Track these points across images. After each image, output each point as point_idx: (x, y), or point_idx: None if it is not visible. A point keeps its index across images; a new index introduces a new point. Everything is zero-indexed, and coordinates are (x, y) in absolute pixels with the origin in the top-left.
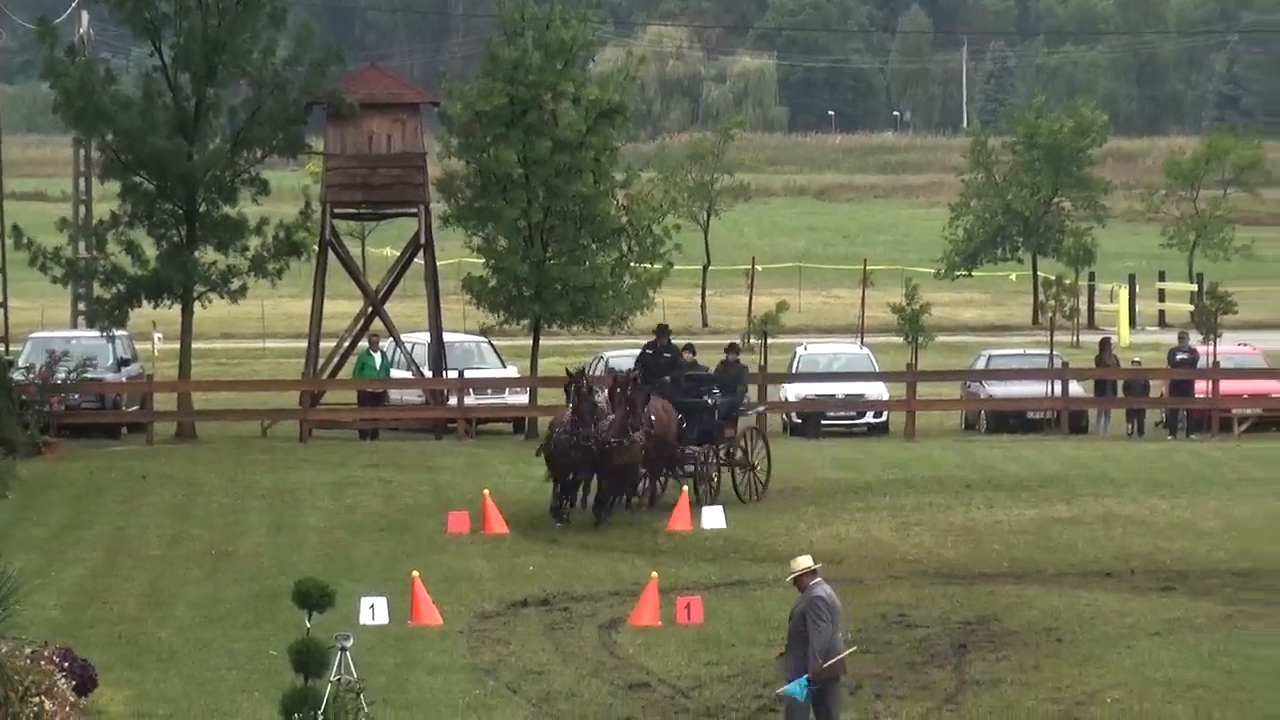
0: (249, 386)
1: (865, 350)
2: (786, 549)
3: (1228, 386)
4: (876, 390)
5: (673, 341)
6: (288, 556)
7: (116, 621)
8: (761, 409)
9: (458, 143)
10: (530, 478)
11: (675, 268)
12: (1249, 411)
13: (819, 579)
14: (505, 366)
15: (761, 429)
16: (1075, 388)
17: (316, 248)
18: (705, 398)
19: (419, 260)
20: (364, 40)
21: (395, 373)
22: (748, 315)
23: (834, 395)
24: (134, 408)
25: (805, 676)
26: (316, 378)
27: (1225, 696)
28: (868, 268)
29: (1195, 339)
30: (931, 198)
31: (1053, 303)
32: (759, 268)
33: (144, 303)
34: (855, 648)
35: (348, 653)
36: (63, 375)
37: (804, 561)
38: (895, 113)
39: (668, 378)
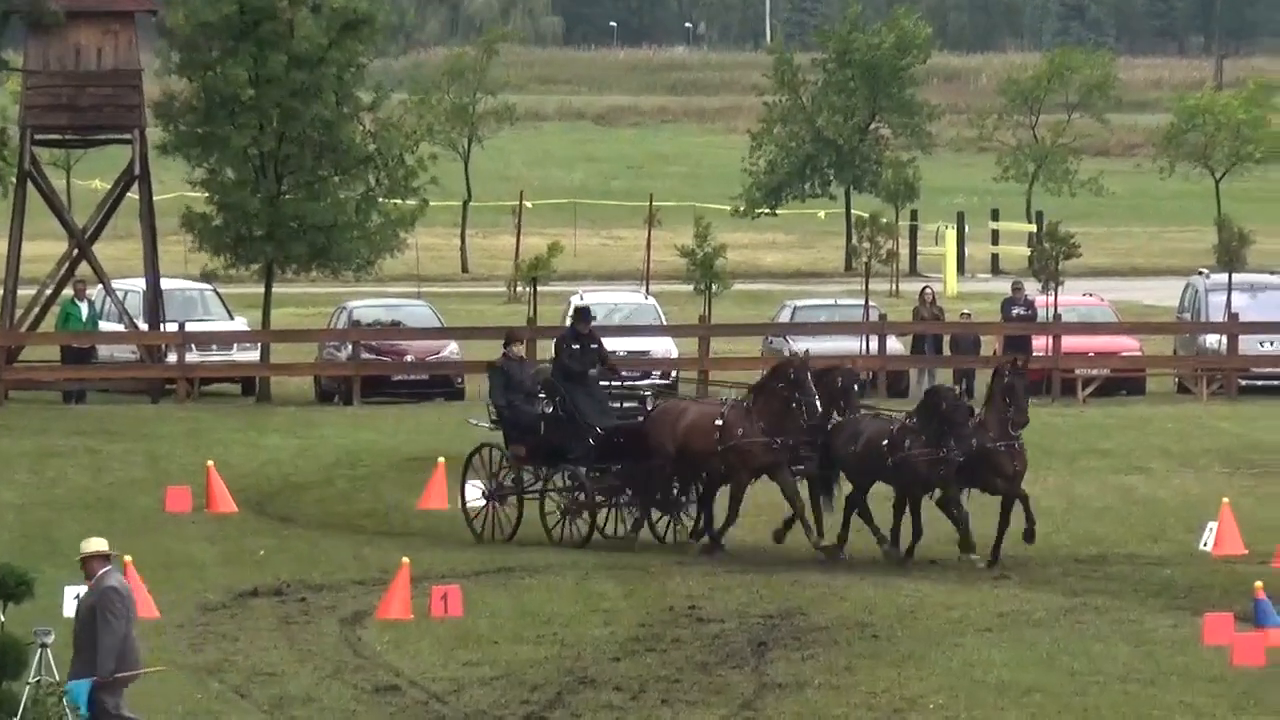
0: None
1: (651, 300)
2: (559, 531)
3: (1070, 343)
4: (663, 346)
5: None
6: None
7: None
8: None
9: (179, 58)
10: (260, 446)
11: (431, 204)
12: (1095, 372)
13: (111, 566)
14: (233, 318)
15: None
16: (894, 344)
17: (15, 179)
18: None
19: (133, 194)
20: None
21: (105, 325)
22: (515, 259)
23: (614, 352)
24: None
25: (92, 680)
26: (13, 330)
27: (1066, 702)
28: (654, 204)
29: (1033, 288)
30: (729, 123)
31: (868, 245)
32: (528, 204)
33: None
34: (162, 668)
35: (49, 650)
36: None
37: (95, 544)
38: (687, 25)
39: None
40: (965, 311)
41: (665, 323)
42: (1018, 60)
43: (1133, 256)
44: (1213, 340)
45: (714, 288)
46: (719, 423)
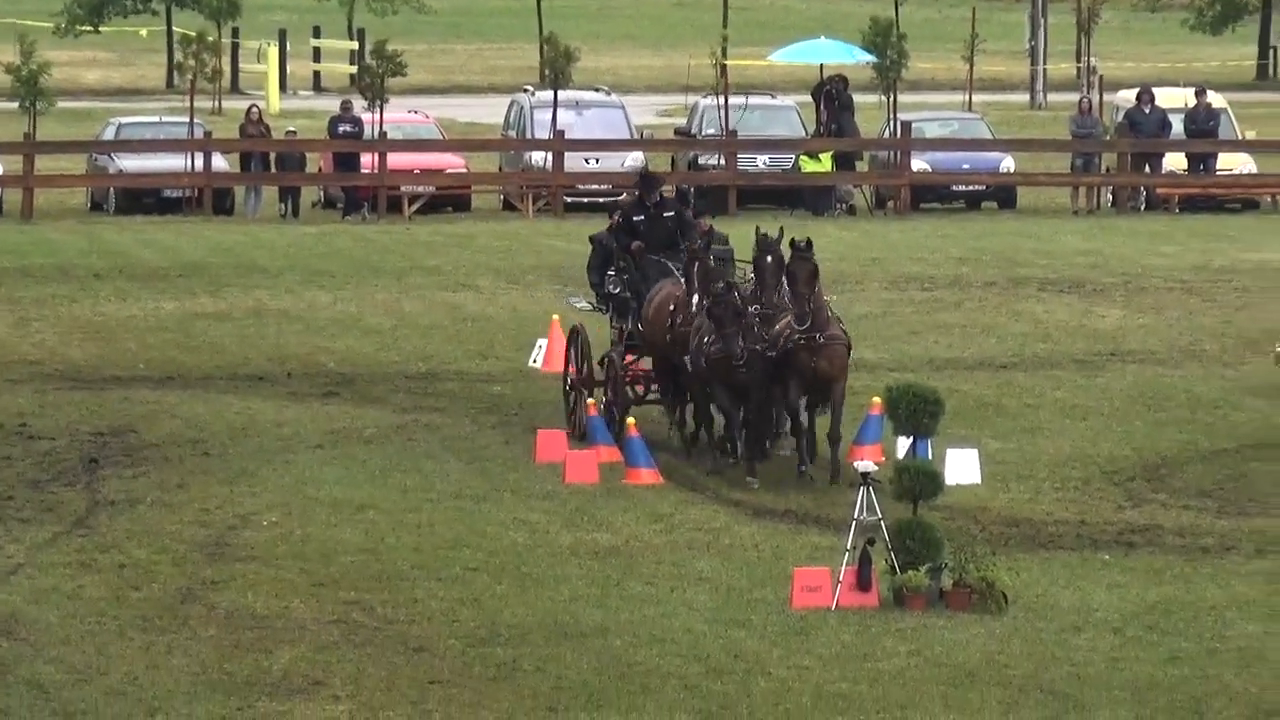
0: None
1: None
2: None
3: (396, 160)
4: None
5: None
6: None
7: None
8: None
9: None
10: None
11: None
12: (420, 189)
13: None
14: None
15: None
16: (220, 161)
17: None
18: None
19: None
20: None
21: None
22: None
23: None
24: None
25: None
26: None
27: (399, 519)
28: None
29: (359, 106)
30: None
31: (192, 63)
32: None
33: None
34: None
35: None
36: None
37: None
38: None
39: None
40: (290, 129)
41: None
42: None
43: (455, 74)
44: (538, 157)
45: (38, 105)
46: (672, 307)
